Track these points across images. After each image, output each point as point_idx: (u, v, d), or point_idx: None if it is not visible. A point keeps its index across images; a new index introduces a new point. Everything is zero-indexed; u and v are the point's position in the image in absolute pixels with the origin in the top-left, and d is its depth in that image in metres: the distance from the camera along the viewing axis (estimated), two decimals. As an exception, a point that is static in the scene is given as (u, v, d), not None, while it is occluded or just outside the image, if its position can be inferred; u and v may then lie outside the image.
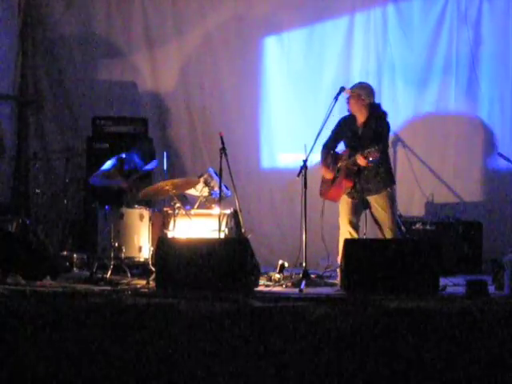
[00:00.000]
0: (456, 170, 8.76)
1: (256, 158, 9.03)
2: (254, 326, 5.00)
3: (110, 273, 6.94)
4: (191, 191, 7.44)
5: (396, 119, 8.21)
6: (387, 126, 6.90)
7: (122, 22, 9.09)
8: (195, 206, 7.36)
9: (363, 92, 6.88)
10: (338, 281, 6.73)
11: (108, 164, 7.52)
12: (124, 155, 7.50)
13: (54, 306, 5.28)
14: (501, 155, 8.19)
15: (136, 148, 7.84)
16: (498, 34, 8.75)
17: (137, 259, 7.20)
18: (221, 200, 7.03)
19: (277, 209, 8.94)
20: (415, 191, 8.71)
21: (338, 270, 6.67)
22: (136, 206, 7.29)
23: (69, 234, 8.37)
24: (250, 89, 9.02)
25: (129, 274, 7.06)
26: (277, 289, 6.67)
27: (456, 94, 8.78)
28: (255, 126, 9.04)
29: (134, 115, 8.81)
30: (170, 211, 7.18)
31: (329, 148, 7.05)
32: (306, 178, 6.85)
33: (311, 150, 6.85)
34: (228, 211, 7.24)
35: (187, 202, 7.57)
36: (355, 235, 6.90)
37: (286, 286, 6.76)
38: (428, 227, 8.18)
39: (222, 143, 7.12)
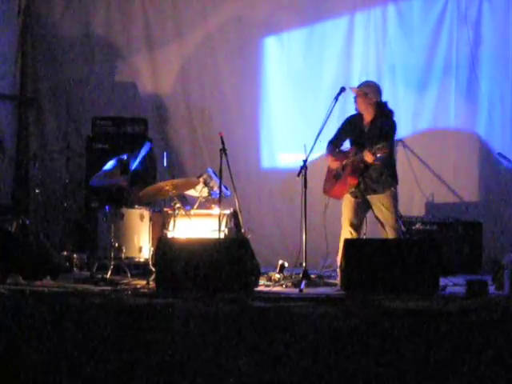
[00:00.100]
0: (456, 170, 8.77)
1: (256, 158, 9.04)
2: (254, 326, 5.00)
3: (110, 273, 6.94)
4: (191, 192, 7.44)
5: (396, 119, 8.19)
6: (394, 124, 6.89)
7: (122, 23, 9.11)
8: (195, 207, 7.36)
9: (370, 90, 6.88)
10: (337, 281, 6.73)
11: (109, 164, 7.53)
12: (125, 156, 7.51)
13: (54, 306, 5.28)
14: (501, 155, 8.20)
15: (137, 152, 7.82)
16: (498, 33, 8.76)
17: (137, 259, 7.20)
18: (220, 200, 7.03)
19: (277, 209, 8.94)
20: (415, 191, 8.71)
21: (338, 269, 6.67)
22: (136, 206, 7.29)
23: (69, 234, 8.37)
24: (250, 89, 9.03)
25: (129, 274, 7.07)
26: (277, 289, 6.67)
27: (456, 94, 8.78)
28: (255, 126, 9.05)
29: (134, 115, 8.81)
30: (169, 211, 7.18)
31: (334, 145, 7.05)
32: (306, 178, 6.85)
33: (311, 150, 6.85)
34: (228, 211, 7.24)
35: (187, 202, 7.57)
36: (356, 236, 6.89)
37: (286, 286, 6.77)
38: (428, 227, 8.18)
39: (222, 143, 7.12)
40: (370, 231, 7.36)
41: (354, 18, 8.91)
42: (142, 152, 7.61)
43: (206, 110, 9.01)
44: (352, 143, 6.97)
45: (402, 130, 8.69)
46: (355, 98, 6.92)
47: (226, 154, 7.11)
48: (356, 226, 6.87)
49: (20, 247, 6.85)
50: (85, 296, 5.95)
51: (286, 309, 5.34)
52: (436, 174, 8.75)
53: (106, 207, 7.17)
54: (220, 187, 7.06)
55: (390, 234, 6.79)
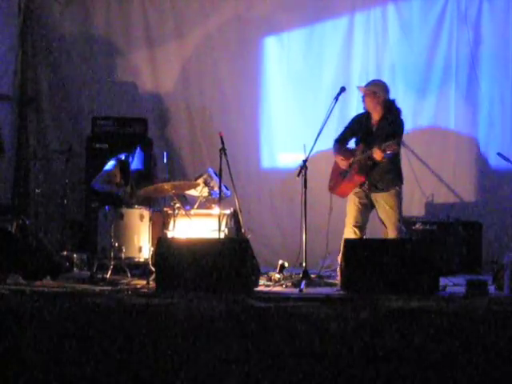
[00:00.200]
0: (456, 170, 8.77)
1: (256, 158, 9.04)
2: (254, 326, 5.00)
3: (110, 273, 6.94)
4: (191, 191, 7.45)
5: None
6: (402, 123, 6.91)
7: (122, 22, 9.11)
8: (195, 206, 7.36)
9: (378, 89, 6.88)
10: (337, 281, 6.73)
11: (109, 165, 7.53)
12: (124, 157, 7.52)
13: (54, 306, 5.28)
14: (501, 155, 8.20)
15: (136, 151, 7.82)
16: (498, 34, 8.75)
17: (137, 259, 7.20)
18: (221, 200, 7.03)
19: (277, 209, 8.94)
20: (415, 191, 8.71)
21: (338, 269, 6.67)
22: (136, 206, 7.29)
23: (69, 234, 8.37)
24: (249, 89, 9.03)
25: (129, 274, 7.07)
26: (277, 289, 6.68)
27: (456, 94, 8.79)
28: (255, 126, 9.05)
29: (134, 115, 8.82)
30: (169, 211, 7.18)
31: (341, 143, 7.05)
32: (306, 178, 6.85)
33: (311, 150, 6.85)
34: (228, 211, 7.24)
35: (187, 202, 7.57)
36: (360, 236, 6.88)
37: (286, 286, 6.77)
38: (428, 227, 8.19)
39: (222, 143, 7.13)
40: (370, 231, 7.35)
41: (354, 17, 8.91)
42: (138, 153, 7.63)
43: (206, 110, 9.01)
44: (359, 141, 6.96)
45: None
46: (363, 97, 6.93)
47: (225, 154, 7.11)
48: (360, 226, 6.87)
49: (20, 247, 6.85)
50: (85, 296, 5.95)
51: (285, 309, 5.34)
52: (436, 173, 8.75)
53: (106, 207, 7.18)
54: (220, 187, 7.06)
55: (392, 233, 6.78)
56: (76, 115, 9.06)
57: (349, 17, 8.92)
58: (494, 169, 8.72)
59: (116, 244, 7.03)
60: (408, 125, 8.69)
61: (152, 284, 6.51)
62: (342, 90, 7.03)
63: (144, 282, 6.67)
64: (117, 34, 9.11)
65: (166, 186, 7.04)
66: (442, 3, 8.83)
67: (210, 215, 7.21)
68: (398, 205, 6.84)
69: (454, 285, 6.72)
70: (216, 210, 7.14)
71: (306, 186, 6.86)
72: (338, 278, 6.68)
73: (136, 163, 7.69)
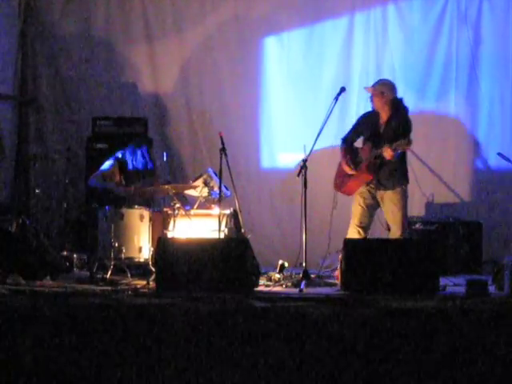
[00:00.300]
0: (456, 170, 8.76)
1: (256, 158, 9.03)
2: (254, 326, 5.00)
3: (110, 273, 6.94)
4: (191, 191, 7.45)
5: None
6: (410, 121, 6.92)
7: (121, 22, 9.10)
8: (195, 207, 7.36)
9: (386, 89, 6.90)
10: (337, 281, 6.72)
11: (106, 164, 7.54)
12: (120, 155, 7.53)
13: (54, 306, 5.28)
14: (501, 155, 8.19)
15: (132, 146, 7.80)
16: (498, 33, 8.74)
17: (137, 259, 7.19)
18: (220, 200, 7.03)
19: (277, 209, 8.93)
20: (415, 191, 8.68)
21: (338, 269, 6.67)
22: (136, 206, 7.29)
23: (69, 234, 8.36)
24: (249, 89, 9.02)
25: (129, 275, 7.07)
26: (277, 289, 6.67)
27: (456, 94, 8.78)
28: (255, 126, 9.04)
29: (134, 115, 8.82)
30: (169, 211, 7.18)
31: (348, 142, 7.06)
32: (306, 178, 6.85)
33: (311, 150, 6.85)
34: (228, 211, 7.24)
35: (187, 202, 7.57)
36: (364, 236, 6.88)
37: (286, 286, 6.77)
38: (428, 227, 8.18)
39: (222, 143, 7.12)
40: (370, 231, 7.35)
41: (354, 17, 8.90)
42: (138, 153, 7.62)
43: (206, 111, 9.00)
44: (367, 140, 6.96)
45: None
46: (371, 97, 6.94)
47: (225, 154, 7.11)
48: (364, 226, 6.89)
49: (20, 247, 6.85)
50: (85, 296, 5.95)
51: (286, 309, 5.33)
52: (436, 173, 8.74)
53: (106, 207, 7.17)
54: (220, 187, 7.06)
55: (396, 232, 6.78)
56: (76, 115, 9.05)
57: (349, 17, 8.91)
58: (494, 169, 8.72)
59: (116, 244, 7.03)
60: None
61: (152, 284, 6.50)
62: (342, 90, 7.04)
63: (144, 282, 6.66)
64: (117, 34, 9.10)
65: (166, 187, 7.06)
66: (442, 3, 8.82)
67: (209, 215, 7.21)
68: (403, 203, 6.85)
69: (454, 285, 6.71)
70: (216, 210, 7.13)
71: (306, 186, 6.86)
72: (337, 273, 6.69)
73: (136, 163, 7.67)
